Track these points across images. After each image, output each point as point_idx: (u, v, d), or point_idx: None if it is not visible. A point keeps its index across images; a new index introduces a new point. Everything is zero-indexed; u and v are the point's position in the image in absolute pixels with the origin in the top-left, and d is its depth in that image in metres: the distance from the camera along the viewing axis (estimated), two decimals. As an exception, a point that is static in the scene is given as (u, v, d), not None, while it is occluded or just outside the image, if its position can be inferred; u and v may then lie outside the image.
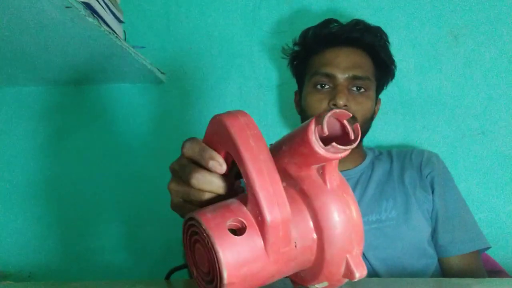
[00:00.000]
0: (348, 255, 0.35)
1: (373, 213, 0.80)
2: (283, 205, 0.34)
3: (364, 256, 0.76)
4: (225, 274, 0.32)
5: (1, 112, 1.16)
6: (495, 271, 0.84)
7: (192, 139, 0.40)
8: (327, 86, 0.83)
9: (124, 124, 1.13)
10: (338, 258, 0.35)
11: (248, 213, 0.35)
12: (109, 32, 0.81)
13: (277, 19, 1.12)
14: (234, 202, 0.36)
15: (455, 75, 1.07)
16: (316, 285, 0.38)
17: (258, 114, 1.10)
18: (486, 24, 1.06)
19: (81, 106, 1.14)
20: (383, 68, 0.89)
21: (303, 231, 0.36)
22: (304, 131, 0.34)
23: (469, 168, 1.04)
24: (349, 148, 0.33)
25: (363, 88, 0.83)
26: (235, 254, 0.33)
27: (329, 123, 0.34)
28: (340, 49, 0.85)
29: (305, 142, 0.33)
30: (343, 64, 0.82)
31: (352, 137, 0.34)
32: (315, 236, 0.36)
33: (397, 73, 0.94)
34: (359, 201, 0.81)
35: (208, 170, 0.38)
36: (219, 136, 0.37)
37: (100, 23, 0.78)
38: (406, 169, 0.85)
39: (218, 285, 0.33)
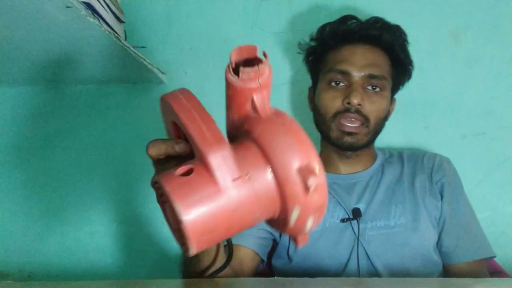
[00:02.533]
0: (297, 167, 0.35)
1: (381, 218, 0.78)
2: (218, 139, 0.35)
3: (371, 262, 0.76)
4: (181, 211, 0.33)
5: (1, 111, 1.15)
6: (495, 272, 0.84)
7: (151, 142, 0.43)
8: (342, 84, 0.81)
9: (124, 124, 1.13)
10: (291, 173, 0.35)
11: (196, 160, 0.37)
12: (110, 32, 0.81)
13: (277, 19, 1.12)
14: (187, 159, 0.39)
15: (456, 75, 1.07)
16: (291, 217, 0.37)
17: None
18: (487, 24, 1.06)
19: (81, 106, 1.14)
20: (400, 68, 0.87)
21: (252, 162, 0.36)
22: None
23: (470, 168, 1.04)
24: (253, 69, 0.36)
25: (379, 87, 0.81)
26: (183, 190, 0.34)
27: (241, 59, 0.37)
28: (357, 46, 0.82)
29: (227, 85, 0.37)
30: (360, 62, 0.80)
31: (262, 59, 0.37)
32: (268, 166, 0.36)
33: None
34: (368, 205, 0.80)
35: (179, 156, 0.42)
36: (166, 110, 0.41)
37: (100, 23, 0.78)
38: (417, 175, 0.83)
39: (182, 229, 0.33)
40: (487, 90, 1.06)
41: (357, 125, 0.79)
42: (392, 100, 0.88)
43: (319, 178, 0.35)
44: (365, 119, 0.79)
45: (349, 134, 0.80)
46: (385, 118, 0.85)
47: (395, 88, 0.88)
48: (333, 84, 0.81)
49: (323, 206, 0.37)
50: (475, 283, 0.54)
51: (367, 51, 0.82)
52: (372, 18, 0.85)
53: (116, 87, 1.14)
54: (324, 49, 0.87)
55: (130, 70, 1.01)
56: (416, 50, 1.07)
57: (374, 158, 0.89)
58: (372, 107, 0.79)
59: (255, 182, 0.36)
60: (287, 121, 0.37)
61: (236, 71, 0.37)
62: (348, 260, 0.76)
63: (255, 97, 0.38)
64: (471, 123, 1.05)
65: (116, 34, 0.84)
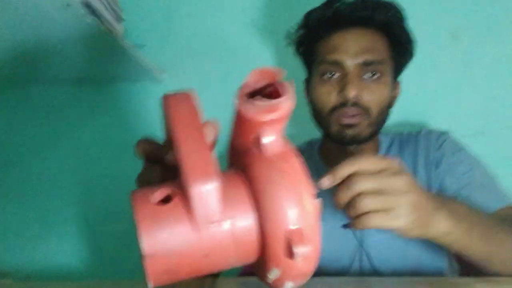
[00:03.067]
0: (286, 230, 0.31)
1: None
2: (208, 172, 0.30)
3: (375, 267, 0.74)
4: (143, 241, 0.30)
5: (1, 111, 1.15)
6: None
7: (142, 140, 0.41)
8: (336, 75, 0.74)
9: (124, 123, 1.13)
10: (280, 232, 0.32)
11: (179, 184, 0.32)
12: (109, 31, 0.81)
13: (276, 17, 1.12)
14: (172, 180, 0.34)
15: (455, 75, 1.07)
16: (268, 275, 0.34)
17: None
18: (486, 23, 1.06)
19: (80, 105, 1.14)
20: (400, 47, 0.79)
21: (239, 205, 0.32)
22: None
23: (469, 168, 1.04)
24: (269, 103, 0.31)
25: (377, 73, 0.74)
26: (153, 222, 0.30)
27: (258, 85, 0.32)
28: (348, 31, 0.75)
29: (236, 110, 0.32)
30: (352, 49, 0.73)
31: (281, 93, 0.31)
32: (256, 213, 0.32)
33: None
34: None
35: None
36: (164, 115, 0.37)
37: (99, 22, 0.77)
38: (416, 170, 0.79)
39: (142, 261, 0.31)
40: (486, 90, 1.05)
41: (357, 117, 0.74)
42: (395, 84, 0.81)
43: (309, 248, 0.31)
44: (365, 111, 0.73)
45: (349, 126, 0.74)
46: (389, 105, 0.78)
47: (397, 70, 0.81)
48: (326, 76, 0.75)
49: (307, 274, 0.33)
50: (475, 283, 0.54)
51: (359, 36, 0.74)
52: None
53: (115, 85, 1.13)
54: (313, 38, 0.80)
55: (129, 69, 1.01)
56: (415, 49, 1.08)
57: (377, 150, 0.83)
58: (371, 97, 0.73)
59: (236, 229, 0.32)
60: (291, 170, 0.33)
61: (250, 95, 0.32)
62: (350, 267, 0.75)
63: (262, 132, 0.33)
64: (470, 123, 1.05)
65: (115, 33, 0.84)
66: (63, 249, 1.13)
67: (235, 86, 1.14)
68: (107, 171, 1.13)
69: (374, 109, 0.74)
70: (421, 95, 1.07)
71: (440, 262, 0.76)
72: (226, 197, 0.32)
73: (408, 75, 1.07)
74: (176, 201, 0.31)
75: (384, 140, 0.85)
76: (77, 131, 1.14)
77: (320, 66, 0.76)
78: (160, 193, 0.32)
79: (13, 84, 1.13)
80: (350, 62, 0.73)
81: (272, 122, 0.32)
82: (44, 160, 1.14)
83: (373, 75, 0.74)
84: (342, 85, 0.73)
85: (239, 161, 0.36)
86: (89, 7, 0.76)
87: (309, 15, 0.81)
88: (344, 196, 0.47)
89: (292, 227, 0.31)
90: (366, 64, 0.73)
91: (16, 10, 0.70)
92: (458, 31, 1.07)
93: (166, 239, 0.30)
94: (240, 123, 0.34)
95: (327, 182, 0.47)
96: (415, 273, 0.74)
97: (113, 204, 1.12)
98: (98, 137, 1.13)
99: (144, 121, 1.12)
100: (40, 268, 1.13)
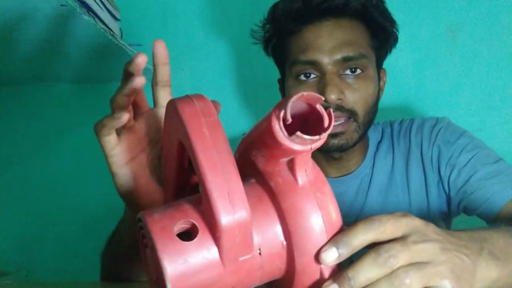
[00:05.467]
0: (322, 266, 0.30)
1: None
2: (240, 205, 0.28)
3: None
4: (169, 286, 0.27)
5: (-1, 111, 1.15)
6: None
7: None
8: (312, 76, 0.66)
9: (121, 122, 1.13)
10: (311, 269, 0.30)
11: (202, 214, 0.29)
12: (105, 30, 0.81)
13: (275, 16, 1.11)
14: (188, 201, 0.31)
15: (453, 71, 1.06)
16: None
17: (256, 112, 1.10)
18: (484, 20, 1.06)
19: (77, 104, 1.14)
20: (382, 35, 0.71)
21: (269, 236, 0.30)
22: (268, 118, 0.29)
23: (467, 165, 1.04)
24: (317, 138, 0.28)
25: (359, 68, 0.66)
26: (181, 263, 0.28)
27: (298, 108, 0.29)
28: (321, 24, 0.66)
29: (269, 131, 0.28)
30: (328, 45, 0.65)
31: (326, 124, 0.28)
32: (284, 242, 0.31)
33: (395, 70, 0.92)
34: (358, 218, 0.71)
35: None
36: (173, 123, 0.32)
37: (95, 21, 0.77)
38: (411, 171, 0.72)
39: None
40: (485, 87, 1.05)
41: (342, 122, 0.66)
42: (380, 74, 0.73)
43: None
44: (351, 113, 0.66)
45: (335, 136, 0.67)
46: (377, 99, 0.71)
47: (381, 59, 0.73)
48: (302, 77, 0.67)
49: None
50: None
51: (334, 29, 0.66)
52: None
53: (112, 85, 1.13)
54: (282, 34, 0.71)
55: (127, 68, 1.01)
56: (413, 47, 1.08)
57: (366, 147, 0.76)
58: (356, 96, 0.65)
59: (265, 261, 0.30)
60: (327, 201, 0.30)
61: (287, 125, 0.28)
62: None
63: (298, 161, 0.30)
64: (469, 119, 1.05)
65: (111, 32, 0.84)
66: (63, 249, 1.12)
67: (232, 85, 1.14)
68: (106, 170, 1.12)
69: (361, 110, 0.67)
70: (419, 92, 1.07)
71: None
72: (255, 227, 0.29)
73: (405, 71, 1.07)
74: (202, 236, 0.29)
75: (372, 135, 0.77)
76: (75, 131, 1.14)
77: (294, 67, 0.68)
78: (182, 226, 0.29)
79: (10, 84, 1.13)
80: (327, 60, 0.65)
81: (309, 152, 0.30)
82: (43, 159, 1.13)
83: (354, 71, 0.66)
84: (321, 87, 0.65)
85: (261, 176, 0.32)
86: (84, 6, 0.76)
87: (275, 8, 0.71)
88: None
89: (324, 265, 0.30)
90: (345, 60, 0.65)
91: (9, 9, 0.70)
92: (455, 27, 1.07)
93: (193, 278, 0.28)
94: (272, 146, 0.30)
95: (332, 257, 0.31)
96: None
97: (114, 204, 1.12)
98: (96, 137, 1.13)
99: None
100: (40, 268, 1.12)
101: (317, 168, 0.32)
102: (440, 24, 1.07)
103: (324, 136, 0.28)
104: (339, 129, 0.66)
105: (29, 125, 1.14)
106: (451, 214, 0.74)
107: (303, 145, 0.28)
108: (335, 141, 0.67)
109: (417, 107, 1.07)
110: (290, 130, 0.28)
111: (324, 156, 0.74)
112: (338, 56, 0.65)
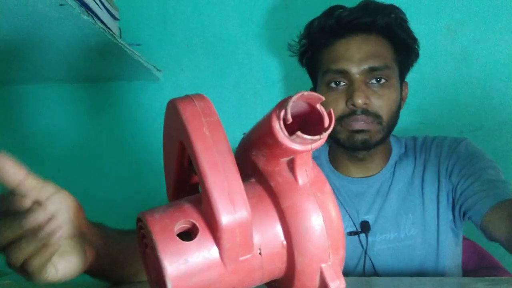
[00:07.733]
0: (322, 266, 0.30)
1: (391, 230, 0.74)
2: (240, 205, 0.28)
3: (377, 274, 0.73)
4: (169, 286, 0.28)
5: (-2, 111, 1.15)
6: (492, 267, 0.84)
7: None
8: (342, 83, 0.74)
9: (120, 121, 1.13)
10: (311, 269, 0.30)
11: (202, 214, 0.30)
12: (104, 30, 0.81)
13: (274, 15, 1.11)
14: (189, 201, 0.31)
15: (452, 70, 1.06)
16: None
17: (255, 111, 1.10)
18: (483, 19, 1.06)
19: (76, 104, 1.14)
20: (404, 50, 0.79)
21: (269, 235, 0.30)
22: (268, 118, 0.29)
23: (467, 164, 1.04)
24: (317, 138, 0.28)
25: (384, 78, 0.74)
26: (182, 263, 0.28)
27: (298, 108, 0.29)
28: (351, 38, 0.75)
29: (270, 131, 0.28)
30: (357, 56, 0.73)
31: (326, 124, 0.28)
32: (284, 241, 0.31)
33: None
34: (378, 216, 0.75)
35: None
36: (174, 123, 0.32)
37: (95, 21, 0.77)
38: (426, 180, 0.77)
39: None
40: (484, 85, 1.05)
41: (368, 124, 0.73)
42: (403, 86, 0.81)
43: (341, 280, 0.30)
44: (375, 116, 0.73)
45: (360, 131, 0.73)
46: (399, 108, 0.78)
47: (403, 72, 0.81)
48: (332, 85, 0.75)
49: None
50: (474, 282, 0.53)
51: (362, 42, 0.74)
52: (361, 3, 0.77)
53: (111, 84, 1.13)
54: (316, 48, 0.80)
55: (125, 67, 1.01)
56: (419, 48, 1.08)
57: (388, 155, 0.82)
58: (380, 102, 0.73)
59: (265, 261, 0.30)
60: (327, 201, 0.31)
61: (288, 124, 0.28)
62: (354, 271, 0.74)
63: (298, 161, 0.30)
64: (468, 118, 1.05)
65: (110, 32, 0.84)
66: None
67: (231, 84, 1.14)
68: (107, 170, 1.12)
69: (385, 115, 0.74)
70: (419, 91, 1.07)
71: (443, 274, 0.75)
72: (255, 226, 0.29)
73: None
74: (202, 236, 0.29)
75: (396, 146, 0.83)
76: (73, 130, 1.14)
77: (326, 76, 0.76)
78: (183, 225, 0.30)
79: (8, 83, 1.13)
80: (356, 70, 0.73)
81: (309, 151, 0.30)
82: (41, 158, 1.13)
83: (379, 80, 0.74)
84: (349, 93, 0.73)
85: (261, 176, 0.32)
86: (83, 6, 0.76)
87: (311, 25, 0.81)
88: None
89: (325, 264, 0.30)
90: (371, 70, 0.73)
91: (8, 9, 0.70)
92: (454, 26, 1.07)
93: (193, 278, 0.28)
94: (271, 145, 0.30)
95: None
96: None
97: (113, 202, 1.12)
98: (95, 136, 1.13)
99: (140, 120, 1.12)
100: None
101: (317, 167, 0.33)
102: (439, 23, 1.07)
103: (324, 136, 0.28)
104: (364, 127, 0.73)
105: (28, 125, 1.14)
106: (455, 220, 0.77)
107: (304, 145, 0.29)
108: (359, 136, 0.73)
109: (416, 107, 1.07)
110: (291, 130, 0.28)
111: (348, 156, 0.80)
112: (365, 66, 0.73)
